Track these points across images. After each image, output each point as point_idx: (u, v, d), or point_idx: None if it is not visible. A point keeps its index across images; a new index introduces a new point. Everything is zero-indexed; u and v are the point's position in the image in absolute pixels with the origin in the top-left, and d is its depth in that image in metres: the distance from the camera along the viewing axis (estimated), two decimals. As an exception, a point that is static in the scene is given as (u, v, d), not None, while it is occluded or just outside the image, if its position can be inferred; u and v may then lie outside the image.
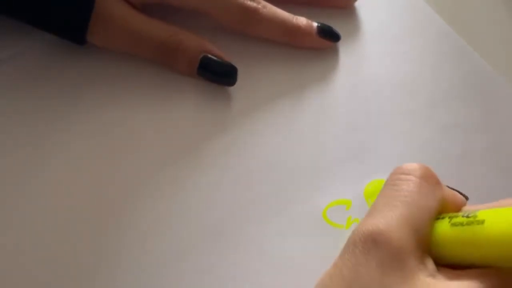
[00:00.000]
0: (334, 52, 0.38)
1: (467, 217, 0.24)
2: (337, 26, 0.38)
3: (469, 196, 0.29)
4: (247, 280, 0.30)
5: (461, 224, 0.24)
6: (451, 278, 0.23)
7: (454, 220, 0.24)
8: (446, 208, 0.26)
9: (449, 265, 0.24)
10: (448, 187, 0.28)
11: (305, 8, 0.39)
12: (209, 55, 0.35)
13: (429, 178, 0.26)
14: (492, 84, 0.37)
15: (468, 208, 0.27)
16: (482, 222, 0.23)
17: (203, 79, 0.36)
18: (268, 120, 0.36)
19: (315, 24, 0.37)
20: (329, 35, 0.38)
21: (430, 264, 0.24)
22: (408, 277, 0.22)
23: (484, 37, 0.40)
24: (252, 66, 0.37)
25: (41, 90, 0.36)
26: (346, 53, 0.38)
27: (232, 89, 0.36)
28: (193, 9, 0.37)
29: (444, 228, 0.25)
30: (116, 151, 0.34)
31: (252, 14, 0.36)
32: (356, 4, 0.40)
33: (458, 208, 0.27)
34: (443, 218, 0.25)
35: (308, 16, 0.38)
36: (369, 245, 0.23)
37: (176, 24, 0.36)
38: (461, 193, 0.28)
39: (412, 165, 0.26)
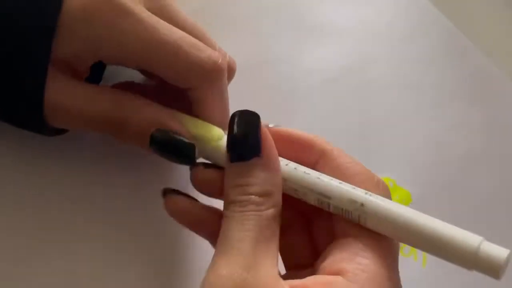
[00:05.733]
0: (340, 53, 0.39)
1: None
2: (343, 27, 0.39)
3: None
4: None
5: None
6: None
7: None
8: None
9: None
10: None
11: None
12: (162, 130, 0.28)
13: None
14: (498, 84, 0.38)
15: None
16: None
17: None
18: (274, 119, 0.36)
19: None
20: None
21: None
22: None
23: (490, 37, 0.40)
24: (252, 67, 0.37)
25: None
26: (353, 54, 0.39)
27: (233, 86, 0.36)
28: (138, 68, 0.31)
29: None
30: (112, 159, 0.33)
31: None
32: (363, 4, 0.41)
33: None
34: None
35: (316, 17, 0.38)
36: None
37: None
38: None
39: None
